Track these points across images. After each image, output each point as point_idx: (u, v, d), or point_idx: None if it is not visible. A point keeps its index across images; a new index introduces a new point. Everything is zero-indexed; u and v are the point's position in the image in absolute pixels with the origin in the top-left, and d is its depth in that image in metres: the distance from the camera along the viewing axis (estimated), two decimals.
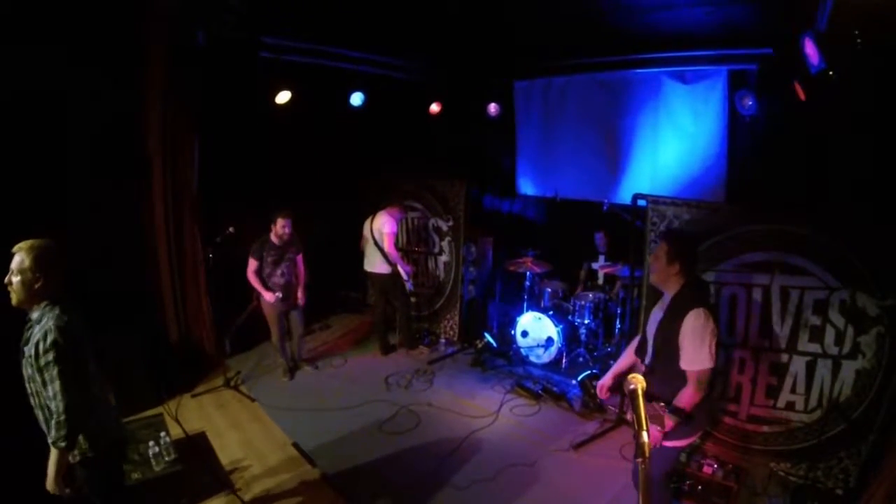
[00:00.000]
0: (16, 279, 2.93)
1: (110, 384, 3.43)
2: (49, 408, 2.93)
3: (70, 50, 5.23)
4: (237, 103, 6.87)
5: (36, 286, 2.94)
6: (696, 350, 3.19)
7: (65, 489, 3.05)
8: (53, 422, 2.88)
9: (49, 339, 2.83)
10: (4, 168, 4.95)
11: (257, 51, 6.50)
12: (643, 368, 3.58)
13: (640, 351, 3.71)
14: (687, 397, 3.25)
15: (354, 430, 5.80)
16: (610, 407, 6.03)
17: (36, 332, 2.90)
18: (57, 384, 2.85)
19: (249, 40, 6.38)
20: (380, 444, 5.54)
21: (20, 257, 2.92)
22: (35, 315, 2.99)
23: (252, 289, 6.57)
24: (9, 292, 2.99)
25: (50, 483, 2.99)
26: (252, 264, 6.44)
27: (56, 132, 5.38)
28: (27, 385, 3.00)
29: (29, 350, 2.90)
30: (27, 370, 2.94)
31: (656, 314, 3.53)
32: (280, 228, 6.38)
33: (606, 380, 3.95)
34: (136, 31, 5.85)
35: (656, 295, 3.77)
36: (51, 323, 2.87)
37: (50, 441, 2.93)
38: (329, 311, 9.28)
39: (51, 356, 2.83)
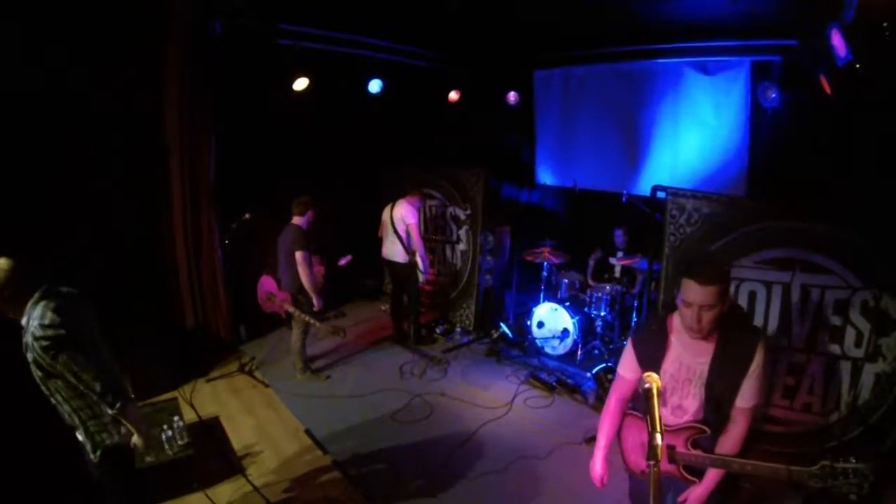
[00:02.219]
0: None
1: (126, 374, 3.45)
2: (88, 397, 3.01)
3: (90, 50, 5.32)
4: (255, 91, 6.91)
5: (5, 307, 2.99)
6: (761, 384, 2.74)
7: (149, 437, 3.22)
8: (108, 399, 2.98)
9: (46, 344, 2.86)
10: (29, 163, 5.10)
11: (275, 38, 6.49)
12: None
13: (642, 406, 2.71)
14: (741, 438, 2.79)
15: (367, 418, 5.82)
16: None
17: (28, 339, 2.92)
18: (87, 374, 2.92)
19: (267, 28, 6.37)
20: (392, 433, 5.57)
21: None
22: (23, 320, 2.99)
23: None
24: None
25: (140, 442, 3.19)
26: (307, 257, 6.05)
27: (77, 128, 5.48)
28: (44, 389, 3.03)
29: (31, 356, 2.93)
30: (38, 373, 2.97)
31: (688, 360, 2.78)
32: (314, 216, 6.28)
33: (601, 467, 3.15)
34: (154, 30, 5.91)
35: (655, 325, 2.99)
36: (34, 323, 2.88)
37: (111, 413, 3.02)
38: (345, 299, 9.30)
39: (65, 356, 2.88)
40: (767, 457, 4.71)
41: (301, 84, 6.92)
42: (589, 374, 6.63)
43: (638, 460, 3.06)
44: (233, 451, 5.16)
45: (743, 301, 4.92)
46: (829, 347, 4.53)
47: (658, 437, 1.99)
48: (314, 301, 6.24)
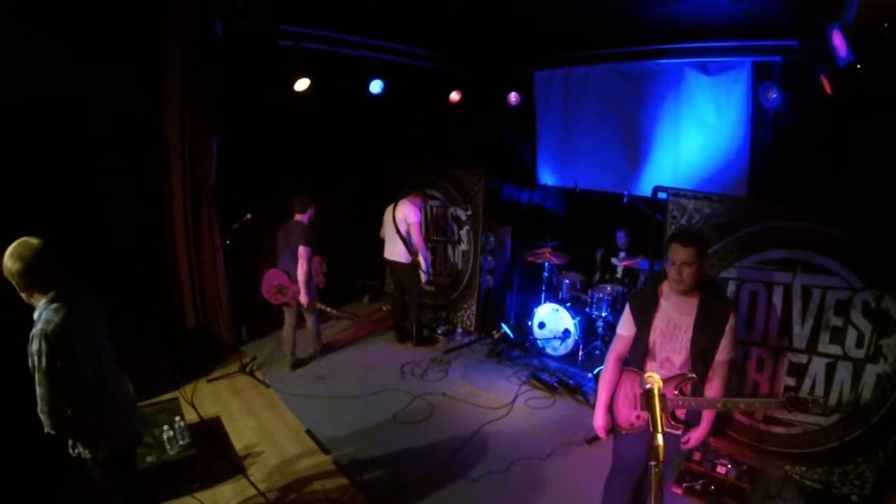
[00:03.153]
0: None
1: (128, 374, 3.45)
2: (40, 407, 2.97)
3: (91, 51, 5.34)
4: (255, 92, 6.93)
5: (25, 290, 2.98)
6: (734, 342, 3.37)
7: None
8: (40, 413, 2.94)
9: (35, 344, 2.85)
10: (30, 163, 5.11)
11: (275, 39, 6.50)
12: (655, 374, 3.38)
13: (639, 361, 3.52)
14: (723, 386, 3.40)
15: (368, 418, 5.82)
16: None
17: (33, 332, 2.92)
18: (42, 389, 2.89)
19: (268, 29, 6.37)
20: (393, 434, 5.57)
21: (4, 270, 2.93)
22: (35, 315, 2.99)
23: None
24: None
25: None
26: (309, 252, 6.34)
27: (78, 128, 5.50)
28: None
29: (29, 351, 2.93)
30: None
31: (675, 318, 3.37)
32: (315, 213, 6.58)
33: (603, 419, 3.64)
34: (155, 30, 5.92)
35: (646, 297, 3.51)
36: (39, 325, 2.89)
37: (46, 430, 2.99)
38: (346, 299, 9.30)
39: (36, 359, 2.85)
40: (769, 456, 4.77)
41: (302, 84, 6.91)
42: (590, 375, 6.64)
43: (627, 413, 3.57)
44: (234, 452, 5.16)
45: (744, 301, 4.91)
46: (830, 348, 4.52)
47: (660, 437, 1.97)
48: (302, 295, 6.34)
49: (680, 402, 3.29)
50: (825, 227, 4.43)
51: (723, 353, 3.33)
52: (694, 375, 3.30)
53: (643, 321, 3.47)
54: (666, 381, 3.24)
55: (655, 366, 3.44)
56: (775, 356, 4.82)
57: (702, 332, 3.28)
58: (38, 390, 2.89)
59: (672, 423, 3.35)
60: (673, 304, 3.40)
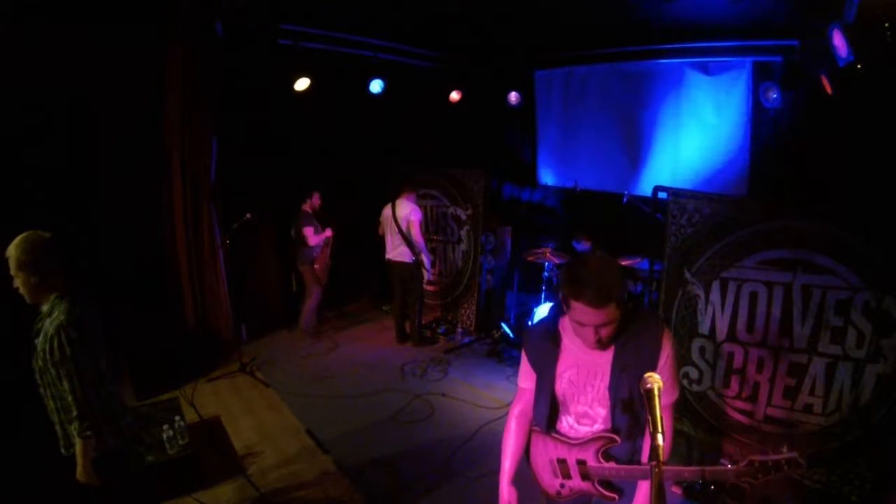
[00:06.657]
0: (17, 282, 2.93)
1: (125, 377, 3.42)
2: (66, 401, 2.93)
3: (92, 51, 5.36)
4: (256, 91, 6.92)
5: (34, 284, 2.93)
6: (676, 374, 2.52)
7: (95, 478, 3.03)
8: (75, 415, 2.89)
9: (63, 335, 2.81)
10: (31, 163, 5.14)
11: (276, 38, 6.51)
12: (577, 437, 2.62)
13: (550, 422, 2.68)
14: (669, 438, 2.35)
15: (368, 418, 5.82)
16: None
17: (47, 326, 2.89)
18: (75, 380, 2.85)
19: (268, 28, 6.38)
20: (393, 433, 5.57)
21: (11, 262, 2.88)
22: (45, 308, 2.98)
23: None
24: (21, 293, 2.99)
25: (80, 473, 2.99)
26: (312, 230, 7.29)
27: (79, 128, 5.51)
28: (38, 377, 3.00)
29: (42, 345, 2.88)
30: (38, 363, 2.93)
31: (586, 360, 2.50)
32: (317, 200, 7.46)
33: (508, 493, 2.82)
34: (156, 30, 5.94)
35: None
36: (62, 317, 2.85)
37: (75, 433, 2.93)
38: (346, 298, 9.29)
39: (67, 351, 2.82)
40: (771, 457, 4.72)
41: (302, 84, 6.92)
42: None
43: (551, 482, 2.80)
44: (234, 451, 5.17)
45: (744, 302, 4.90)
46: (831, 348, 4.51)
47: (660, 437, 1.89)
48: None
49: (608, 473, 2.53)
50: (825, 226, 4.41)
51: (663, 396, 2.11)
52: (617, 438, 2.49)
53: (544, 368, 2.60)
54: (585, 444, 2.57)
55: (571, 421, 2.64)
56: (775, 356, 4.81)
57: (624, 376, 2.39)
58: (66, 384, 2.86)
59: (603, 491, 2.58)
60: (580, 344, 2.47)
